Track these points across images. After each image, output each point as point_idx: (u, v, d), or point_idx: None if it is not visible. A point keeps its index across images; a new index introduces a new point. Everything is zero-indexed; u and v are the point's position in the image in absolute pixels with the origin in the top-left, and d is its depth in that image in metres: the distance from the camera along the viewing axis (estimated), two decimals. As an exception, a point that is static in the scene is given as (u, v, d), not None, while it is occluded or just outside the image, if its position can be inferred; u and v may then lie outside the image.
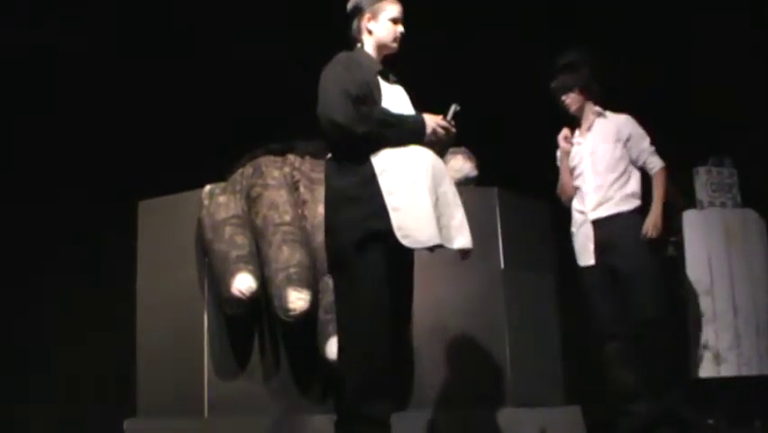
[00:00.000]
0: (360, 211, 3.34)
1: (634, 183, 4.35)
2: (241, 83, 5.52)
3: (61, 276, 5.31)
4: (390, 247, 3.31)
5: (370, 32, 3.61)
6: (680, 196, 5.09)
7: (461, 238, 3.45)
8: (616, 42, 5.44)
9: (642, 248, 4.23)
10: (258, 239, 4.33)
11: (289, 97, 5.44)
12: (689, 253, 5.01)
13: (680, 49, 5.51)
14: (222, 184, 4.54)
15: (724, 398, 5.00)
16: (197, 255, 4.48)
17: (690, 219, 5.06)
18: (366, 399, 3.27)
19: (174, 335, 4.46)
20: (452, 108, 3.56)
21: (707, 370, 4.94)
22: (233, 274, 4.18)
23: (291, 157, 4.61)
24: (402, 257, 3.40)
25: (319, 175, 4.57)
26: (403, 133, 3.43)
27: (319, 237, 4.35)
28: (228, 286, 4.18)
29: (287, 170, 4.54)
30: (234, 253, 4.24)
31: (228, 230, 4.32)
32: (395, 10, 3.61)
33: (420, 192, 3.35)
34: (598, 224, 4.32)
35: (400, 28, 3.62)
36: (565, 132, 4.47)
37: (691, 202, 5.09)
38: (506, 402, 4.42)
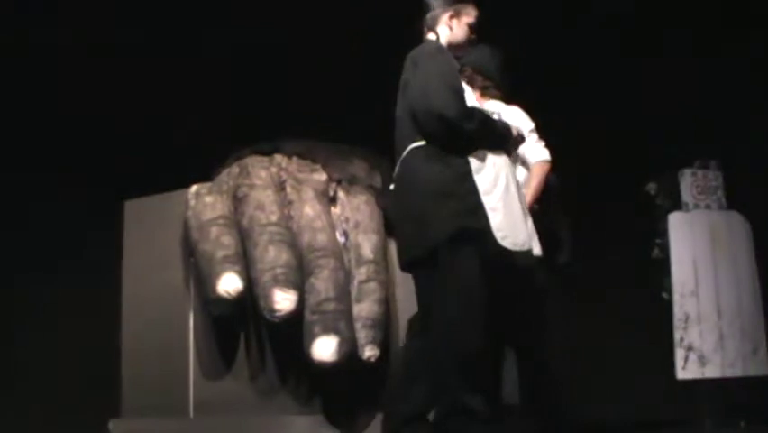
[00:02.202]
0: (454, 207, 3.32)
1: None
2: (228, 82, 5.51)
3: (46, 275, 5.28)
4: (482, 247, 3.32)
5: (450, 29, 3.64)
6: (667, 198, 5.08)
7: (535, 245, 3.51)
8: (602, 46, 5.46)
9: None
10: (244, 239, 4.32)
11: (276, 97, 5.44)
12: (674, 255, 5.03)
13: (666, 53, 5.53)
14: (208, 184, 4.52)
15: (708, 399, 5.02)
16: (183, 256, 4.46)
17: (675, 221, 5.07)
18: (467, 392, 3.27)
19: (160, 335, 4.44)
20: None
21: (691, 371, 4.96)
22: (219, 275, 4.17)
23: (278, 157, 4.60)
24: (489, 259, 3.35)
25: (306, 175, 4.58)
26: (495, 135, 3.49)
27: (306, 237, 4.37)
28: (214, 286, 4.17)
29: (273, 170, 4.53)
30: (220, 254, 4.23)
31: (214, 230, 4.31)
32: (473, 15, 3.69)
33: (512, 195, 3.42)
34: None
35: (474, 35, 3.70)
36: None
37: (677, 204, 5.10)
38: (503, 402, 4.42)
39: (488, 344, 3.34)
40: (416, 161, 3.43)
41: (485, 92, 4.17)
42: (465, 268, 3.30)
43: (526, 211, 3.54)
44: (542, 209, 3.96)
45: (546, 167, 4.03)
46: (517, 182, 3.55)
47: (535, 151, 4.05)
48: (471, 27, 3.67)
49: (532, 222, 3.54)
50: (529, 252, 3.43)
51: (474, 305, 3.29)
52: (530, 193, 3.94)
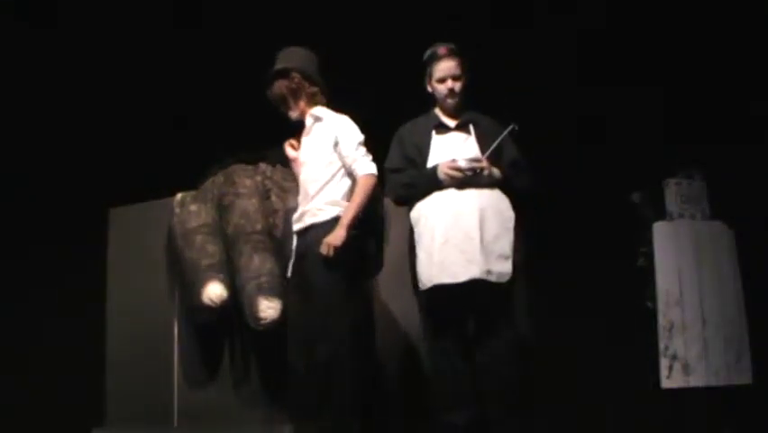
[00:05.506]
0: (413, 260, 3.99)
1: (337, 191, 3.96)
2: (213, 91, 5.50)
3: (31, 282, 5.27)
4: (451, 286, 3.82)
5: (432, 93, 4.09)
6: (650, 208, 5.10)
7: (473, 269, 3.78)
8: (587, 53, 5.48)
9: (322, 263, 3.81)
10: (229, 248, 4.33)
11: (261, 106, 5.44)
12: (659, 264, 5.03)
13: (653, 62, 5.55)
14: (193, 192, 4.53)
15: (693, 408, 5.03)
16: (168, 263, 4.48)
17: (660, 230, 5.09)
18: (443, 407, 3.91)
19: (144, 343, 4.46)
20: (509, 129, 3.94)
21: (676, 380, 4.97)
22: (203, 283, 4.18)
23: (263, 165, 4.61)
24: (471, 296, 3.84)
25: (291, 184, 4.58)
26: (424, 186, 3.96)
27: (290, 246, 4.37)
28: (198, 294, 4.18)
29: (258, 178, 4.54)
30: (205, 262, 4.24)
31: (199, 238, 4.32)
32: (439, 70, 4.02)
33: (429, 238, 3.87)
34: (298, 235, 4.03)
35: (449, 84, 3.99)
36: (291, 140, 4.24)
37: (661, 213, 5.12)
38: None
39: (460, 372, 3.91)
40: None
41: (313, 99, 4.11)
42: (427, 310, 3.97)
43: (471, 238, 3.80)
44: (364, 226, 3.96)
45: (372, 180, 3.93)
46: (457, 215, 3.85)
47: (362, 164, 3.94)
48: (442, 80, 3.99)
49: (477, 248, 3.80)
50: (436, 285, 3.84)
51: (435, 341, 3.94)
52: (353, 207, 3.86)
